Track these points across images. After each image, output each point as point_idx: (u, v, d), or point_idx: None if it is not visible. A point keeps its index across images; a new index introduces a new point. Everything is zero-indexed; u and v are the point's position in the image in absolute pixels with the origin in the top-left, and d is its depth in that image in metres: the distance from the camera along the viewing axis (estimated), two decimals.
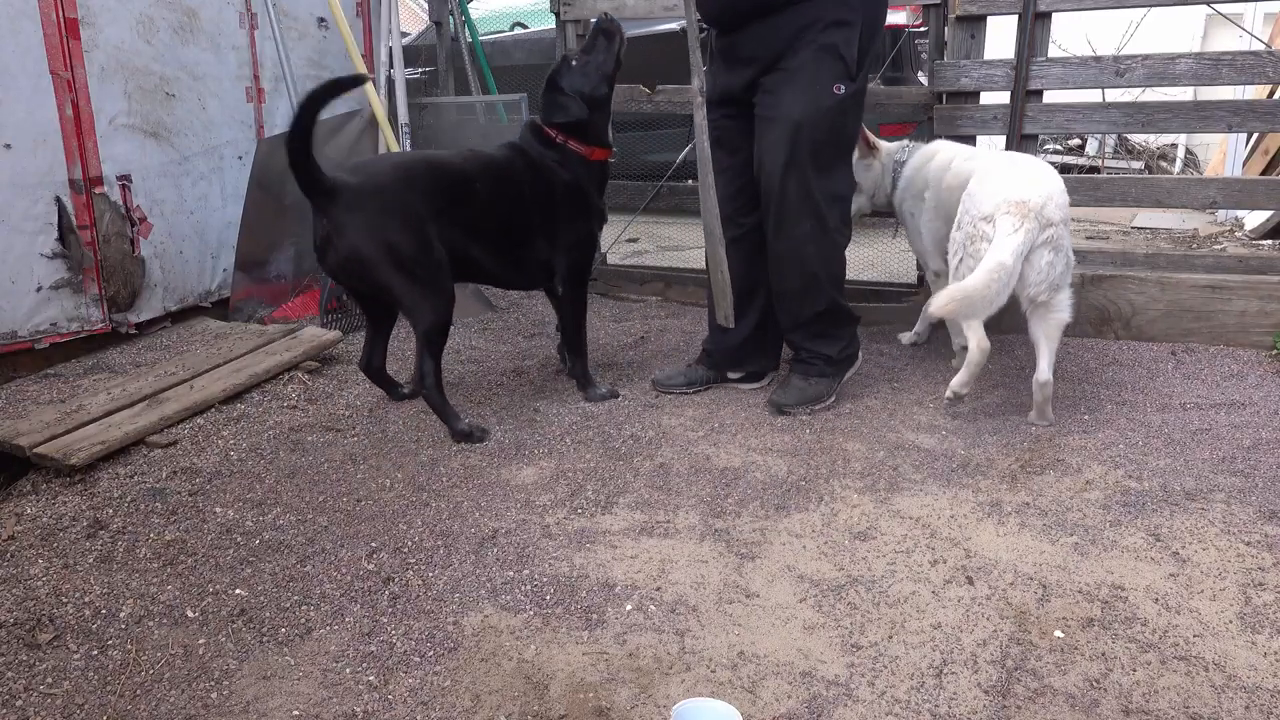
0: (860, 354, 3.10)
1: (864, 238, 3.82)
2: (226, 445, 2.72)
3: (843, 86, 2.70)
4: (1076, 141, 8.44)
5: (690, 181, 4.71)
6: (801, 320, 2.93)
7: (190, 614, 1.93)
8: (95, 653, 1.81)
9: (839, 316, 2.96)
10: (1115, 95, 5.45)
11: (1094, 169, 7.90)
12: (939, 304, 2.67)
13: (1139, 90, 4.29)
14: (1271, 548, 2.10)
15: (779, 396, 2.93)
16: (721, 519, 2.28)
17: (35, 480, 2.52)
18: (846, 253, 4.04)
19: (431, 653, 1.79)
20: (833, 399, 2.96)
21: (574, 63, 2.93)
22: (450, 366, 3.42)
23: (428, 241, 2.68)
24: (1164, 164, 8.31)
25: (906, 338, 3.63)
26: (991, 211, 2.65)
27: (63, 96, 3.28)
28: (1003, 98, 3.65)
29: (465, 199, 2.80)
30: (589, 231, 3.06)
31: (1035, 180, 2.73)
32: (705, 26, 2.93)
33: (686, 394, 3.11)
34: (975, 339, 2.80)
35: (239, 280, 3.92)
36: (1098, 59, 3.60)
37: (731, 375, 3.15)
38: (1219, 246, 5.71)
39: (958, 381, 2.84)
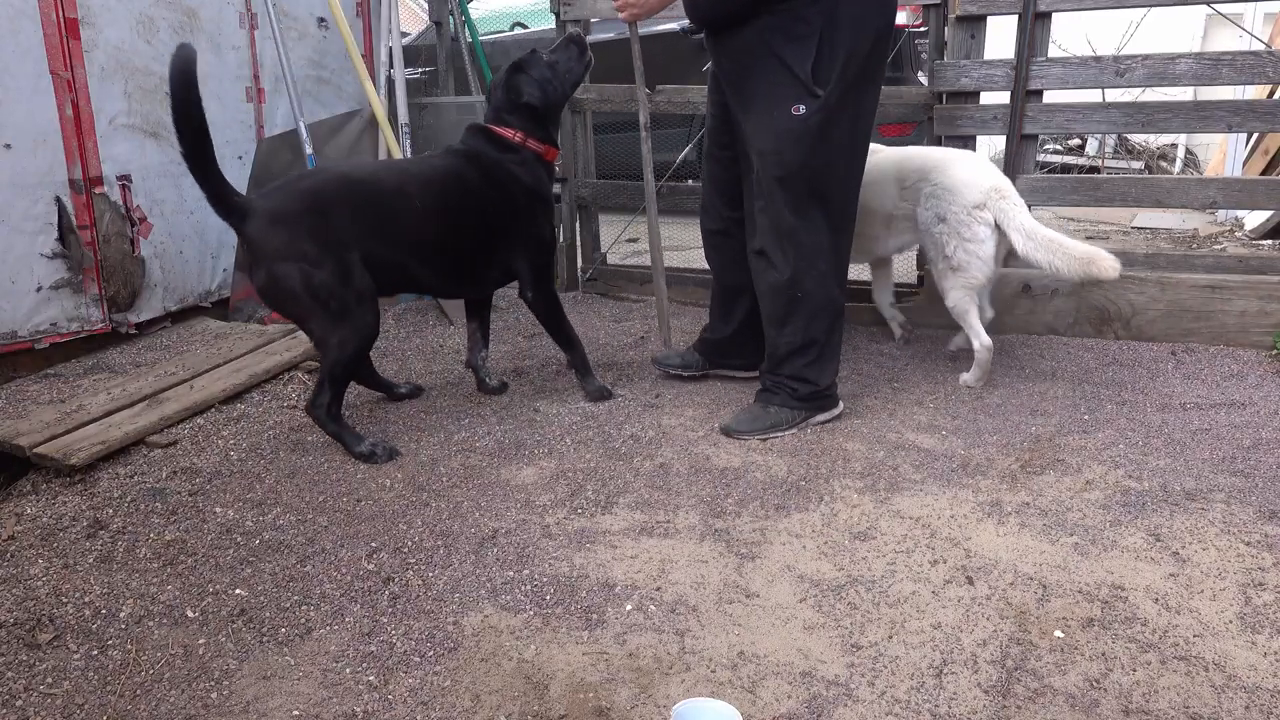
0: (839, 406, 2.85)
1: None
2: (226, 445, 2.72)
3: (802, 106, 2.49)
4: (1076, 141, 8.45)
5: (690, 181, 4.72)
6: (777, 351, 2.76)
7: (190, 614, 1.93)
8: (95, 653, 1.81)
9: (817, 356, 2.74)
10: (1115, 95, 5.46)
11: (1094, 169, 7.90)
12: (1110, 264, 2.85)
13: (1139, 90, 4.30)
14: (1271, 548, 2.10)
15: (730, 421, 2.79)
16: (721, 519, 2.28)
17: (35, 480, 2.52)
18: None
19: (431, 653, 1.79)
20: (792, 430, 2.75)
21: (545, 58, 2.90)
22: (451, 367, 3.42)
23: (346, 271, 2.55)
24: (1164, 164, 8.32)
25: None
26: (983, 199, 2.93)
27: (63, 96, 3.28)
28: (1003, 98, 3.65)
29: (401, 216, 2.69)
30: (550, 232, 3.00)
31: (993, 169, 3.10)
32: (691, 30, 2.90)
33: (681, 376, 3.20)
34: (980, 340, 3.07)
35: (239, 280, 3.92)
36: (1098, 59, 3.60)
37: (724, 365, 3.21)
38: (1219, 246, 5.72)
39: (973, 378, 3.13)
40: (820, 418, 2.83)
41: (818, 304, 2.69)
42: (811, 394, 2.77)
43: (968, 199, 2.93)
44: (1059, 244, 2.87)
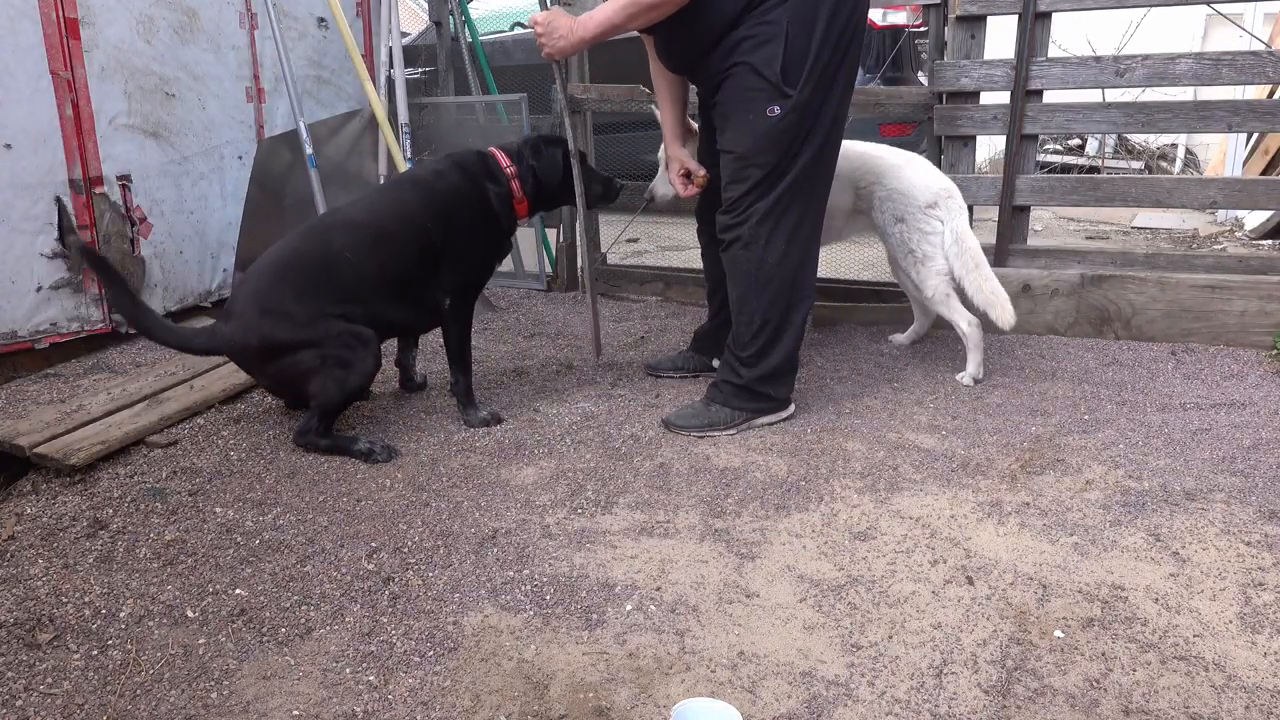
0: (788, 409, 2.87)
1: (864, 238, 3.81)
2: (226, 445, 2.72)
3: (777, 107, 2.53)
4: (1076, 141, 8.45)
5: None
6: (739, 336, 2.78)
7: (190, 614, 1.93)
8: (95, 653, 1.81)
9: (775, 353, 2.76)
10: (1115, 95, 5.46)
11: (1094, 169, 7.91)
12: (1008, 316, 3.08)
13: (1139, 90, 4.30)
14: (1271, 548, 2.10)
15: (672, 414, 2.84)
16: (721, 519, 2.28)
17: (35, 480, 2.52)
18: (845, 253, 4.00)
19: (431, 653, 1.79)
20: (731, 431, 2.77)
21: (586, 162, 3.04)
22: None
23: (327, 333, 2.61)
24: (1164, 164, 8.32)
25: (902, 338, 3.63)
26: (934, 199, 3.13)
27: (63, 96, 3.28)
28: (1003, 98, 3.65)
29: (364, 273, 2.70)
30: (499, 249, 2.99)
31: (939, 172, 3.28)
32: None
33: (674, 378, 3.25)
34: (965, 318, 3.18)
35: (239, 280, 3.92)
36: (1098, 59, 3.60)
37: (715, 363, 3.19)
38: (1219, 246, 5.72)
39: (973, 366, 3.19)
40: (763, 420, 2.83)
41: (793, 294, 2.72)
42: (745, 389, 2.79)
43: (921, 200, 3.14)
44: (979, 266, 3.11)
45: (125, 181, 3.54)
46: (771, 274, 2.68)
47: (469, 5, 5.11)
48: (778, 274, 2.68)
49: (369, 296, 2.70)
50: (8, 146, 3.13)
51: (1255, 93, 5.48)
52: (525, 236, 4.68)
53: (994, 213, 3.85)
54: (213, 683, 1.72)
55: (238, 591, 2.00)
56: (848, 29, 2.57)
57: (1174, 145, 8.49)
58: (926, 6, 4.00)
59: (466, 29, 5.06)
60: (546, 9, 2.71)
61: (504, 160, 2.91)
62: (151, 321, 2.65)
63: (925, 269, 3.17)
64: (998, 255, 3.78)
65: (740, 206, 2.66)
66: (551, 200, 3.05)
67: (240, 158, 4.06)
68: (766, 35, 2.51)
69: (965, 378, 3.19)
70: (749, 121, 2.58)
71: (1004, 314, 3.07)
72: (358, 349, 2.64)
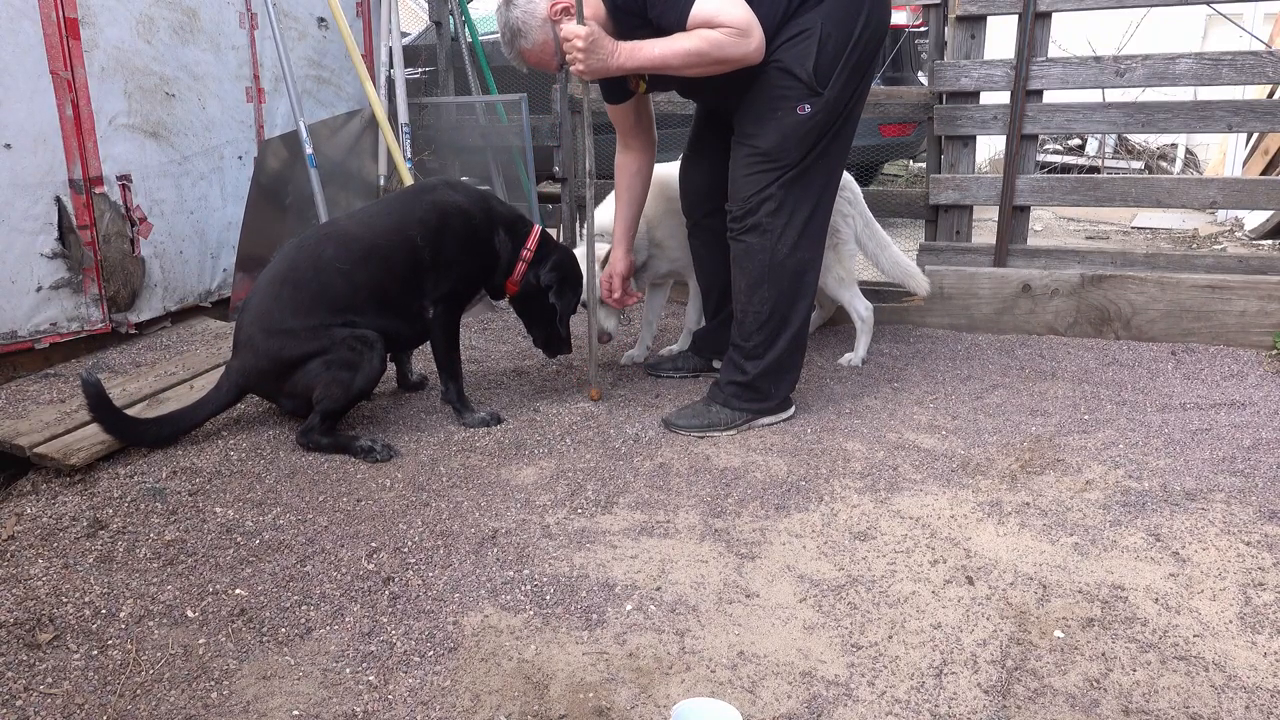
0: (789, 410, 2.88)
1: None
2: (226, 445, 2.72)
3: (808, 105, 2.54)
4: (1076, 141, 8.45)
5: None
6: (745, 327, 2.76)
7: (190, 614, 1.93)
8: (95, 653, 1.81)
9: (780, 346, 2.76)
10: (1115, 95, 5.46)
11: (1094, 169, 7.91)
12: (925, 281, 3.48)
13: (1139, 90, 4.30)
14: (1271, 548, 2.10)
15: (673, 415, 2.84)
16: (721, 519, 2.28)
17: (35, 480, 2.52)
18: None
19: (431, 653, 1.79)
20: (732, 431, 2.77)
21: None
22: None
23: (331, 341, 2.65)
24: (1164, 164, 8.33)
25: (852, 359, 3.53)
26: (844, 181, 3.24)
27: (63, 96, 3.28)
28: (1003, 98, 3.66)
29: (363, 285, 2.73)
30: (490, 269, 2.96)
31: None
32: None
33: (674, 378, 3.27)
34: (864, 304, 3.40)
35: (239, 280, 3.92)
36: (1098, 59, 3.60)
37: (715, 364, 3.19)
38: (1219, 246, 5.73)
39: (862, 350, 3.38)
40: (764, 421, 2.83)
41: (799, 288, 2.73)
42: (747, 394, 2.80)
43: None
44: (888, 244, 3.41)
45: (125, 181, 3.54)
46: (783, 263, 2.68)
47: (469, 5, 5.11)
48: (788, 264, 2.68)
49: (368, 305, 2.74)
50: (8, 146, 3.13)
51: (1255, 93, 5.49)
52: None
53: (994, 213, 3.86)
54: (213, 683, 1.72)
55: (238, 591, 2.00)
56: (879, 30, 2.60)
57: (1174, 145, 8.50)
58: (926, 6, 4.00)
59: (466, 29, 5.06)
60: (583, 23, 2.51)
61: (532, 241, 2.93)
62: (181, 419, 2.70)
63: (842, 250, 3.32)
64: (997, 255, 3.79)
65: (758, 197, 2.65)
66: (530, 310, 3.03)
67: (240, 158, 4.06)
68: (800, 36, 2.52)
69: (854, 359, 3.35)
70: (776, 118, 2.58)
71: (920, 282, 3.43)
72: (364, 352, 2.67)
